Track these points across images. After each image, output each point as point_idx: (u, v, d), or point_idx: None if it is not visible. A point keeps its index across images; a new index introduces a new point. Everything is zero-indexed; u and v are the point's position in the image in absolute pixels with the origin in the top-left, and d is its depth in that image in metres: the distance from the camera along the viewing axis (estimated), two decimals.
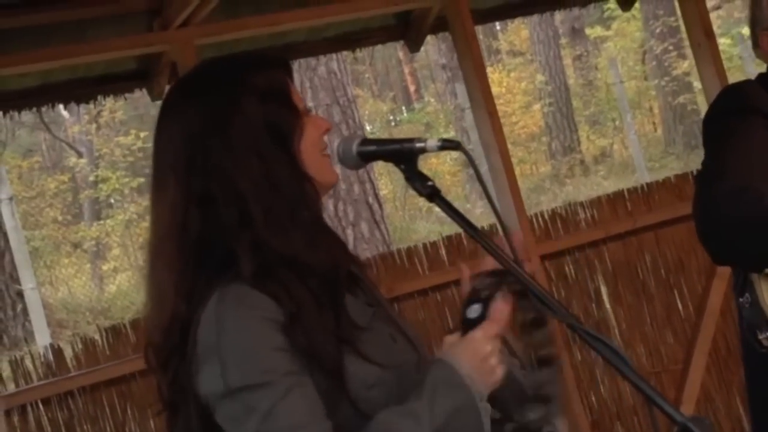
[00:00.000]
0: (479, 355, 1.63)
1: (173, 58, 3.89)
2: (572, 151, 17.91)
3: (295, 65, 9.20)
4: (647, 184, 5.04)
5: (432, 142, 1.74)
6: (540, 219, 4.63)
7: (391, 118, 21.38)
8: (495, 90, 19.90)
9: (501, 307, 1.68)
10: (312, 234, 1.70)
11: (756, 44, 2.46)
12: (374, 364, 1.67)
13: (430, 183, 1.74)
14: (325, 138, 1.81)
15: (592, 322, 4.55)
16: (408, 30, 4.64)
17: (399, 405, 1.62)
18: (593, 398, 4.50)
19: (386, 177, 14.82)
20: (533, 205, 12.91)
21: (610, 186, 13.65)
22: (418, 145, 1.74)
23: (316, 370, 1.62)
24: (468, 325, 1.69)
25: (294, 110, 1.76)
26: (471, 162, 1.75)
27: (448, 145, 1.73)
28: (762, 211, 2.14)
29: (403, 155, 1.77)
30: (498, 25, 20.71)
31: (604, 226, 4.66)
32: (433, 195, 1.74)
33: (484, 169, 4.43)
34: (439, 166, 17.27)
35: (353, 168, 1.82)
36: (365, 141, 1.81)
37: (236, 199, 1.66)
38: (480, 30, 18.00)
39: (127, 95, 4.74)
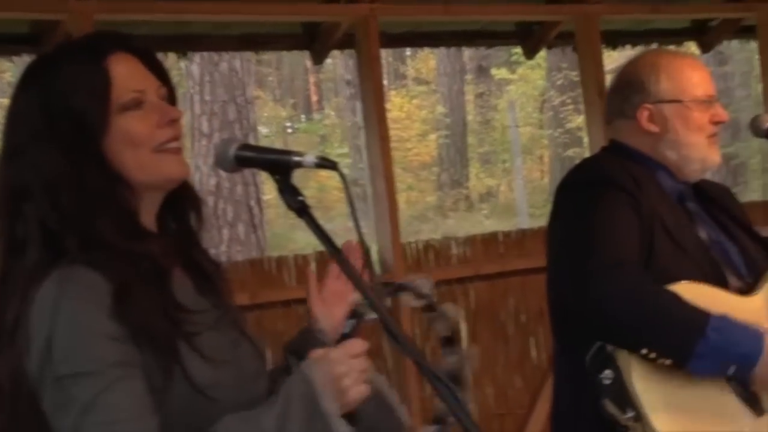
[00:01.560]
0: (332, 374, 1.59)
1: (69, 28, 3.79)
2: (460, 186, 18.12)
3: (197, 58, 9.18)
4: (523, 229, 5.14)
5: (309, 159, 1.72)
6: (414, 248, 4.66)
7: (289, 124, 21.25)
8: (395, 114, 20.05)
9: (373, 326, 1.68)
10: (122, 229, 1.64)
11: (623, 115, 2.47)
12: (211, 364, 1.62)
13: (300, 198, 1.71)
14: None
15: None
16: (314, 41, 4.63)
17: (246, 411, 1.59)
18: None
19: (272, 182, 14.73)
20: (413, 233, 12.99)
21: (490, 225, 13.85)
22: (295, 159, 1.71)
23: (149, 351, 1.56)
24: (341, 340, 1.68)
25: (103, 105, 1.67)
26: (344, 184, 1.74)
27: (324, 164, 1.70)
28: (650, 294, 2.19)
29: (279, 167, 1.74)
30: (408, 51, 20.82)
31: (474, 265, 4.72)
32: (302, 210, 1.72)
33: (370, 190, 4.46)
34: (327, 181, 17.25)
35: (229, 171, 1.79)
36: (244, 146, 1.77)
37: (46, 189, 1.61)
38: (390, 53, 18.13)
39: (15, 58, 4.62)
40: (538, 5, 4.94)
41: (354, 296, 1.75)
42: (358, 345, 1.62)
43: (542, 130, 19.81)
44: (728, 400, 2.24)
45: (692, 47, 5.94)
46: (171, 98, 1.77)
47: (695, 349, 2.14)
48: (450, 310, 1.81)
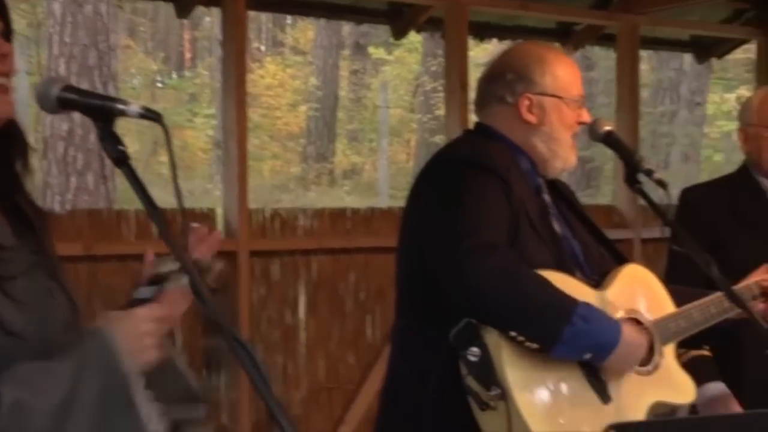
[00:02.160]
0: (134, 331, 1.59)
1: None
2: (325, 160, 18.08)
3: None
4: (372, 208, 5.15)
5: (133, 108, 1.68)
6: (261, 215, 4.62)
7: (159, 79, 20.81)
8: (268, 81, 19.89)
9: (175, 295, 1.66)
10: None
11: (502, 101, 2.48)
12: (21, 310, 1.59)
13: (121, 148, 1.67)
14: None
15: (282, 328, 4.59)
16: None
17: (41, 362, 1.55)
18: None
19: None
20: (273, 201, 12.92)
21: (351, 202, 13.89)
22: (119, 107, 1.67)
23: None
24: (134, 305, 1.66)
25: None
26: (166, 138, 1.70)
27: (149, 115, 1.67)
28: (522, 278, 2.23)
29: (103, 113, 1.69)
30: (288, 20, 20.64)
31: (319, 238, 4.72)
32: (121, 161, 1.69)
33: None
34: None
35: (50, 112, 1.73)
36: (68, 88, 1.71)
37: None
38: (271, 19, 17.88)
39: None
40: None
41: (162, 263, 1.74)
42: (160, 310, 1.63)
43: (412, 113, 19.91)
44: (582, 386, 2.31)
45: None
46: (7, 33, 1.70)
47: (562, 336, 2.21)
48: (216, 263, 1.80)
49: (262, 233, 4.58)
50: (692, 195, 3.45)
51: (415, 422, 2.38)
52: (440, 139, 17.28)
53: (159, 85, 20.70)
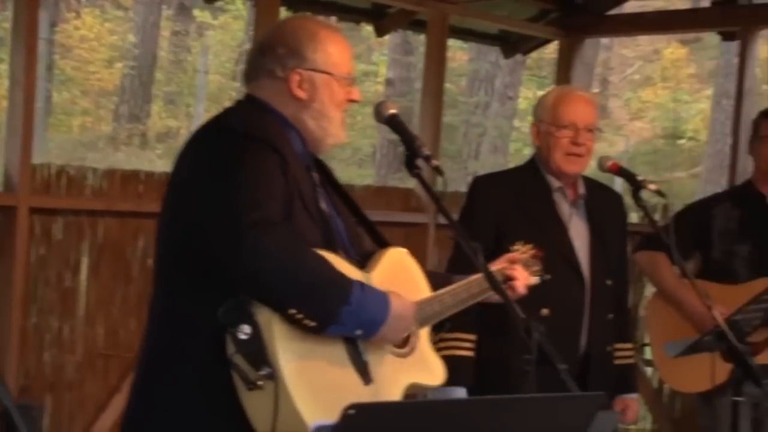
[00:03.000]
0: None
1: None
2: (138, 121, 17.72)
3: None
4: (167, 173, 5.03)
5: None
6: (46, 171, 4.45)
7: None
8: (83, 33, 19.29)
9: None
10: None
11: (272, 75, 2.46)
12: None
13: None
14: None
15: (61, 289, 4.47)
16: None
17: None
18: (32, 364, 4.39)
19: None
20: (77, 159, 12.57)
21: (162, 166, 13.63)
22: None
23: None
24: None
25: None
26: None
27: None
28: (303, 256, 2.22)
29: None
30: None
31: (107, 200, 4.57)
32: None
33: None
34: None
35: None
36: None
37: None
38: None
39: None
40: None
41: None
42: None
43: (233, 81, 19.75)
44: (347, 367, 2.33)
45: (368, 29, 6.09)
46: None
47: (340, 314, 2.23)
48: None
49: (45, 190, 4.41)
50: (481, 184, 3.55)
51: (172, 403, 2.34)
52: None
53: None
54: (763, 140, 4.19)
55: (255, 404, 2.19)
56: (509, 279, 2.76)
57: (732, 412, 3.12)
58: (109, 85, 19.26)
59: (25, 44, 4.15)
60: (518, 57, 14.56)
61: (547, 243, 3.31)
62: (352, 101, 2.54)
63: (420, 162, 2.51)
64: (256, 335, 2.21)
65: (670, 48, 23.22)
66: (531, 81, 18.33)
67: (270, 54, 2.47)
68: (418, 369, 2.50)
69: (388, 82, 16.79)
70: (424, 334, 2.54)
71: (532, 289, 3.28)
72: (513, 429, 1.80)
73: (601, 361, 3.40)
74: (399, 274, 2.51)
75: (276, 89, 2.47)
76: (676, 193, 14.54)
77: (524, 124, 17.34)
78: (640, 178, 3.28)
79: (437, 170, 2.49)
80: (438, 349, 3.20)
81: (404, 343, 2.46)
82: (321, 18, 4.85)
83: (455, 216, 2.62)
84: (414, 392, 2.51)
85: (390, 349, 2.42)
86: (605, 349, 3.44)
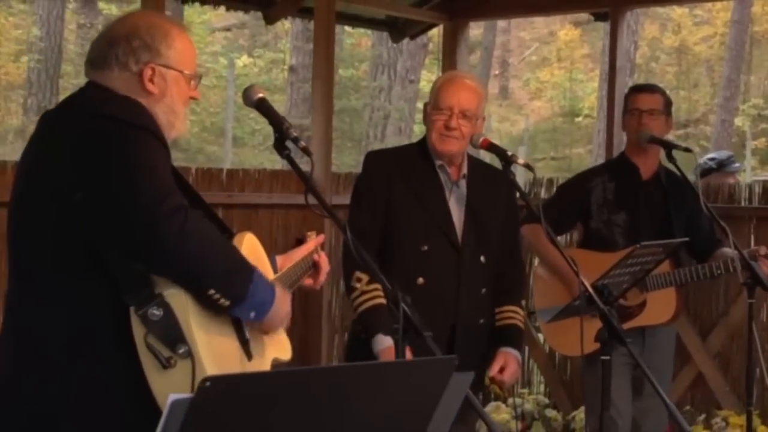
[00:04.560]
0: None
1: None
2: None
3: None
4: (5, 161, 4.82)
5: None
6: None
7: None
8: None
9: None
10: None
11: (124, 67, 2.41)
12: None
13: None
14: None
15: None
16: None
17: None
18: None
19: None
20: None
21: None
22: None
23: None
24: None
25: None
26: None
27: None
28: (216, 239, 2.27)
29: None
30: None
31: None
32: None
33: None
34: None
35: None
36: None
37: None
38: None
39: None
40: None
41: None
42: None
43: None
44: (237, 344, 2.39)
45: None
46: None
47: (247, 293, 2.27)
48: None
49: None
50: (372, 159, 3.60)
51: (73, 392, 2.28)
52: None
53: None
54: (632, 113, 4.30)
55: (167, 382, 2.19)
56: (316, 264, 2.82)
57: (603, 370, 3.17)
58: (16, 78, 18.89)
59: None
60: (419, 41, 14.76)
61: (427, 214, 3.42)
62: (192, 98, 2.53)
63: (289, 143, 2.54)
64: (168, 316, 2.22)
65: (564, 29, 23.51)
66: (433, 64, 18.43)
67: (123, 45, 2.42)
68: (277, 346, 2.58)
69: (292, 69, 16.73)
70: None
71: (411, 258, 3.39)
72: (369, 395, 1.77)
73: (469, 331, 3.46)
74: (256, 258, 2.53)
75: (126, 80, 2.42)
76: (575, 168, 14.74)
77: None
78: (509, 153, 3.33)
79: (305, 151, 2.55)
80: (362, 302, 3.33)
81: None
82: (169, 14, 4.77)
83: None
84: (275, 366, 2.57)
85: (258, 332, 2.48)
86: (478, 321, 3.50)
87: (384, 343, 3.31)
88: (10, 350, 2.35)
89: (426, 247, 3.43)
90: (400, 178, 3.46)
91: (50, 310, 2.30)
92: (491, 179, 3.60)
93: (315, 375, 1.79)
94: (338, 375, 1.78)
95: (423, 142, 3.55)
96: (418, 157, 3.51)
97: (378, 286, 3.30)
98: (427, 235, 3.43)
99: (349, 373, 1.78)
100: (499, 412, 5.43)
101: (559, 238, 4.60)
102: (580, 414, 5.22)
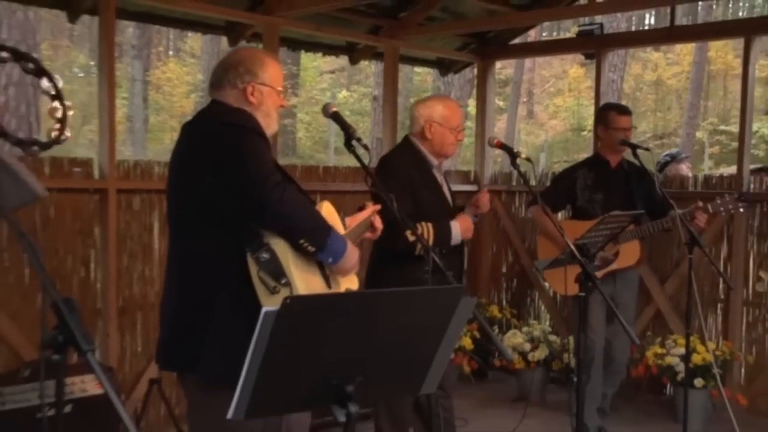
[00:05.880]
0: None
1: None
2: None
3: None
4: None
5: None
6: (126, 164, 4.36)
7: None
8: (168, 75, 19.19)
9: None
10: None
11: (233, 86, 2.45)
12: None
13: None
14: None
15: (141, 243, 4.48)
16: None
17: None
18: (126, 294, 4.40)
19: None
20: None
21: None
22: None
23: None
24: None
25: None
26: None
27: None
28: (307, 204, 2.32)
29: None
30: None
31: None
32: None
33: None
34: None
35: None
36: None
37: None
38: None
39: None
40: None
41: None
42: None
43: None
44: (320, 278, 2.41)
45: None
46: None
47: (327, 243, 2.31)
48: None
49: (126, 177, 4.40)
50: (391, 158, 3.51)
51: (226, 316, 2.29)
52: None
53: None
54: (617, 130, 4.27)
55: (274, 303, 2.08)
56: (373, 225, 2.78)
57: (583, 304, 3.17)
58: (188, 109, 19.19)
59: (107, 82, 4.13)
60: (465, 76, 14.60)
61: (436, 198, 3.42)
62: (281, 107, 2.54)
63: (355, 143, 2.55)
64: (273, 258, 2.24)
65: (573, 68, 23.16)
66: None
67: (232, 71, 2.46)
68: (349, 281, 2.58)
69: (375, 98, 16.65)
70: None
71: None
72: (404, 314, 1.76)
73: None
74: (331, 218, 2.54)
75: (235, 96, 2.45)
76: None
77: (471, 124, 17.28)
78: (516, 150, 3.29)
79: (365, 147, 2.55)
80: (425, 237, 3.25)
81: None
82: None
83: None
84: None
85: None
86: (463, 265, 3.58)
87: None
88: (175, 287, 2.40)
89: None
90: (415, 172, 3.40)
91: (198, 258, 2.34)
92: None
93: (360, 297, 1.80)
94: (377, 297, 1.78)
95: (413, 147, 3.46)
96: (419, 159, 3.45)
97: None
98: (441, 211, 3.43)
99: (386, 296, 1.78)
100: (516, 337, 5.42)
101: (558, 215, 4.61)
102: (572, 338, 5.20)
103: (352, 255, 2.44)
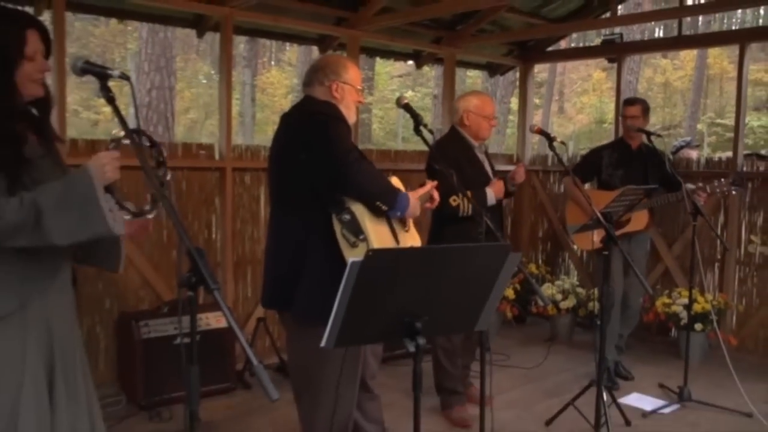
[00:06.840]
0: (99, 162, 1.60)
1: None
2: None
3: None
4: None
5: (115, 72, 1.62)
6: (239, 149, 4.32)
7: None
8: (271, 80, 19.28)
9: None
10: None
11: (321, 84, 2.43)
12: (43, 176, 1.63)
13: (111, 94, 1.62)
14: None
15: (251, 210, 4.43)
16: None
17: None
18: (239, 251, 4.40)
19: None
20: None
21: None
22: (108, 72, 1.62)
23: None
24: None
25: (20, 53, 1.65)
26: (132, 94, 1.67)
27: (123, 76, 1.60)
28: (380, 174, 2.29)
29: (101, 76, 1.64)
30: None
31: None
32: (111, 100, 1.61)
33: None
34: None
35: (78, 75, 1.67)
36: (86, 62, 1.65)
37: None
38: None
39: None
40: None
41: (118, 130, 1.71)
42: (114, 153, 1.64)
43: None
44: (389, 235, 2.38)
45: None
46: (47, 54, 1.73)
47: (397, 201, 2.30)
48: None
49: (240, 158, 4.35)
50: (442, 143, 3.43)
51: (320, 266, 2.29)
52: None
53: None
54: (624, 119, 4.20)
55: (354, 255, 2.19)
56: (432, 197, 2.71)
57: (605, 261, 3.08)
58: (286, 107, 19.20)
59: (225, 86, 4.14)
60: (509, 78, 14.26)
61: (480, 173, 3.36)
62: (359, 102, 2.50)
63: (422, 129, 2.51)
64: (353, 218, 2.25)
65: (596, 72, 22.42)
66: (517, 91, 17.79)
67: (320, 72, 2.45)
68: (412, 238, 2.54)
69: (435, 97, 16.47)
70: (411, 222, 2.55)
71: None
72: (462, 265, 1.74)
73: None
74: (399, 187, 2.49)
75: (323, 92, 2.43)
76: None
77: (513, 117, 16.92)
78: (552, 135, 3.20)
79: (430, 131, 2.51)
80: (464, 204, 3.19)
81: (407, 226, 2.51)
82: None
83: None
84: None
85: (401, 227, 2.47)
86: (503, 223, 3.55)
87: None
88: (275, 246, 2.41)
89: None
90: (462, 154, 3.36)
91: (295, 223, 2.35)
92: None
93: (428, 251, 1.77)
94: (436, 252, 1.75)
95: (458, 134, 3.41)
96: (464, 142, 3.40)
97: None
98: (482, 182, 3.36)
99: (443, 251, 1.75)
100: (549, 289, 5.31)
101: (586, 185, 4.48)
102: (596, 290, 5.06)
103: (416, 207, 2.43)
